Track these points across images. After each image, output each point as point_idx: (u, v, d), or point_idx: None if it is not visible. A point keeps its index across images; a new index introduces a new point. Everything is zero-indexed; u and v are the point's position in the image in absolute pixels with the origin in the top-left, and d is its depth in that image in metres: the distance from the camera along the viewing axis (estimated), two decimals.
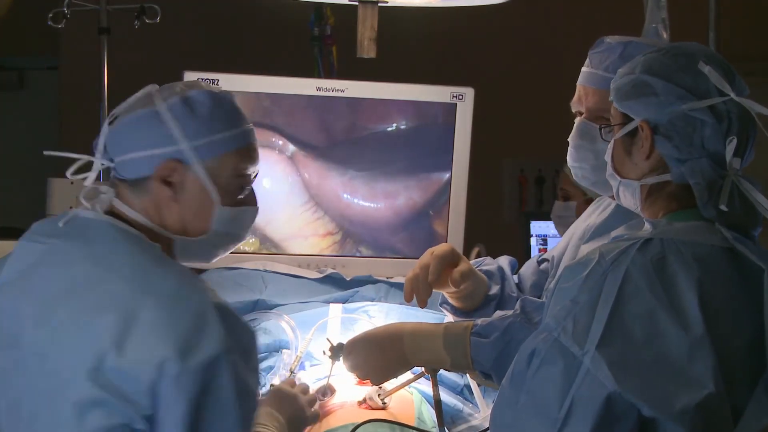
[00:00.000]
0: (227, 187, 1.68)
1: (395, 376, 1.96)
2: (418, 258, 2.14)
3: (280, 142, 2.55)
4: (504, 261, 2.28)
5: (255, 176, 1.74)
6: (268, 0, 3.55)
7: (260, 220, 1.93)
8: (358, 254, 2.61)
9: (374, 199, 2.61)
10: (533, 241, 4.27)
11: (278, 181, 2.56)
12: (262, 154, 1.74)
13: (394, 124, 2.59)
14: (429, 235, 2.62)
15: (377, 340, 1.94)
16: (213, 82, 2.43)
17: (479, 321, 1.88)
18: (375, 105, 2.58)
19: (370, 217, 2.62)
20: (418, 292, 2.09)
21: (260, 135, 2.46)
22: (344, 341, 1.98)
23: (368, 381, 1.98)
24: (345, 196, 2.60)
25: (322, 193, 2.59)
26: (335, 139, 2.58)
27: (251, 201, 1.74)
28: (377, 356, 1.93)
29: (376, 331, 1.97)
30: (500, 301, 2.17)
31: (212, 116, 1.65)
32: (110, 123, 1.66)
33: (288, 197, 2.58)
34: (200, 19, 5.32)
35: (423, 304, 2.11)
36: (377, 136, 2.59)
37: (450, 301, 2.19)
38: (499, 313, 1.91)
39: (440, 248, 2.13)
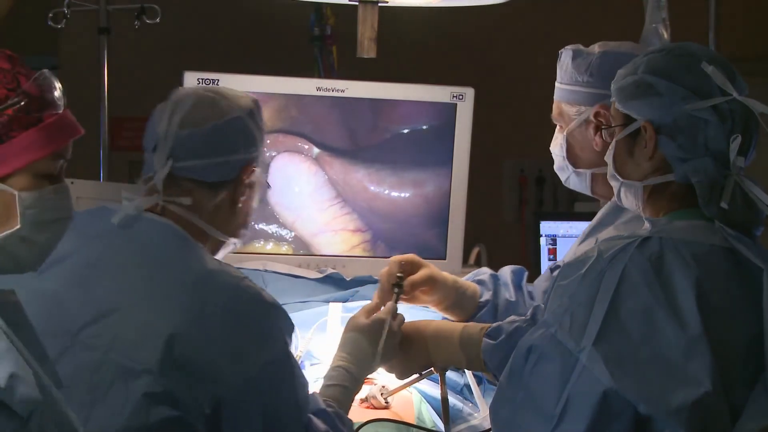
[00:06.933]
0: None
1: (418, 372, 1.99)
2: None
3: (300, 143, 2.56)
4: (506, 270, 2.28)
5: None
6: (268, 0, 3.55)
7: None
8: (356, 255, 2.61)
9: (373, 198, 2.61)
10: (543, 240, 4.26)
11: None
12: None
13: (396, 125, 2.59)
14: (429, 236, 2.61)
15: (405, 336, 1.97)
16: (213, 82, 2.43)
17: (494, 324, 1.92)
18: (375, 105, 2.57)
19: (376, 216, 2.61)
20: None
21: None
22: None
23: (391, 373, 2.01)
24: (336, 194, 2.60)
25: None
26: (332, 139, 2.58)
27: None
28: (405, 351, 1.96)
29: (405, 327, 1.99)
30: (495, 307, 2.17)
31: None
32: (181, 128, 1.71)
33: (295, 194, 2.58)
34: (200, 19, 5.31)
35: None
36: (378, 136, 2.59)
37: (445, 316, 2.20)
38: (512, 318, 1.93)
39: (400, 256, 2.13)
